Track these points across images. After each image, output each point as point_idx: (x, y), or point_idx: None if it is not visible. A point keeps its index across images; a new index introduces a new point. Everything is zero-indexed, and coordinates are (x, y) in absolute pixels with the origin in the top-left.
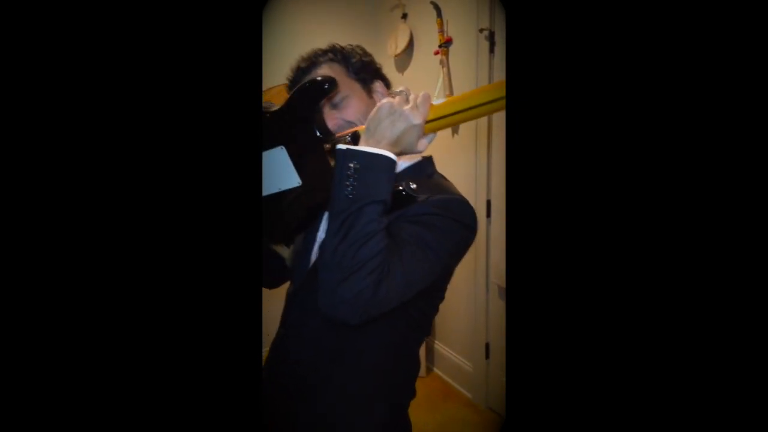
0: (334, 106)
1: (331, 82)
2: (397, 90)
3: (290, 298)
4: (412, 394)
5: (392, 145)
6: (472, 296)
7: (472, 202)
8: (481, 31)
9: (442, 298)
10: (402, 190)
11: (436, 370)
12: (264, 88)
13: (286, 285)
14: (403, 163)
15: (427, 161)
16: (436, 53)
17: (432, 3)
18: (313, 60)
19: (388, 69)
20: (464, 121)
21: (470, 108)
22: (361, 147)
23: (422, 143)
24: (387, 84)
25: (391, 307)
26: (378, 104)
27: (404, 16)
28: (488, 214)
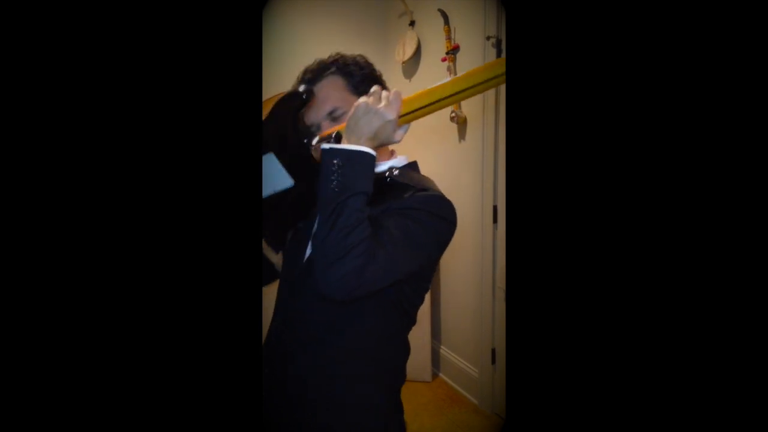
0: (334, 119)
1: (309, 92)
2: (371, 90)
3: (284, 290)
4: (403, 377)
5: (371, 140)
6: (478, 301)
7: (478, 208)
8: (488, 38)
9: (427, 288)
10: (386, 177)
11: (441, 375)
12: (269, 92)
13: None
14: (391, 163)
15: (413, 164)
16: (444, 60)
17: (439, 10)
18: (317, 72)
19: (396, 75)
20: (434, 111)
21: (439, 100)
22: (343, 145)
23: (398, 134)
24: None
25: (376, 288)
26: (355, 104)
27: (412, 23)
28: (494, 220)
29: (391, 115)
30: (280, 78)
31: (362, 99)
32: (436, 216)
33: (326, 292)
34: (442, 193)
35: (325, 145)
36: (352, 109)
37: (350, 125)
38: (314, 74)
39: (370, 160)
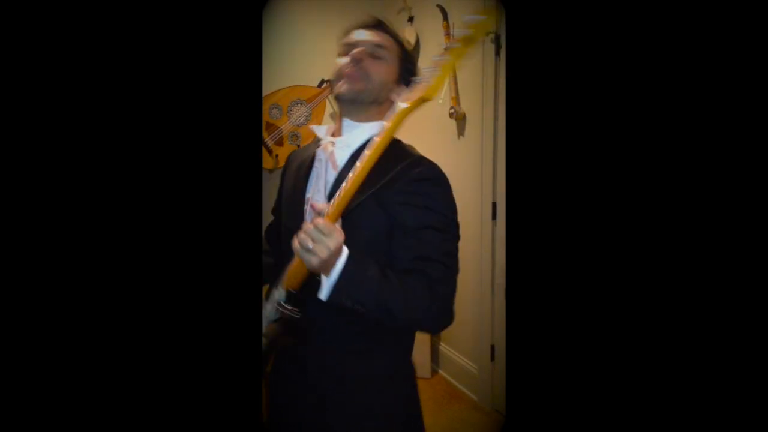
0: (370, 54)
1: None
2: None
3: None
4: (412, 340)
5: (330, 258)
6: (478, 298)
7: (477, 205)
8: (487, 34)
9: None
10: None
11: (441, 372)
12: (269, 90)
13: None
14: (372, 129)
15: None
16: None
17: (438, 6)
18: (376, 24)
19: None
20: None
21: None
22: (324, 285)
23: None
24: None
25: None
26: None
27: (410, 19)
28: (493, 216)
29: (321, 250)
30: (280, 77)
31: (294, 243)
32: (444, 189)
33: (435, 333)
34: (431, 164)
35: (322, 298)
36: (298, 257)
37: (313, 267)
38: (375, 23)
39: (350, 265)
